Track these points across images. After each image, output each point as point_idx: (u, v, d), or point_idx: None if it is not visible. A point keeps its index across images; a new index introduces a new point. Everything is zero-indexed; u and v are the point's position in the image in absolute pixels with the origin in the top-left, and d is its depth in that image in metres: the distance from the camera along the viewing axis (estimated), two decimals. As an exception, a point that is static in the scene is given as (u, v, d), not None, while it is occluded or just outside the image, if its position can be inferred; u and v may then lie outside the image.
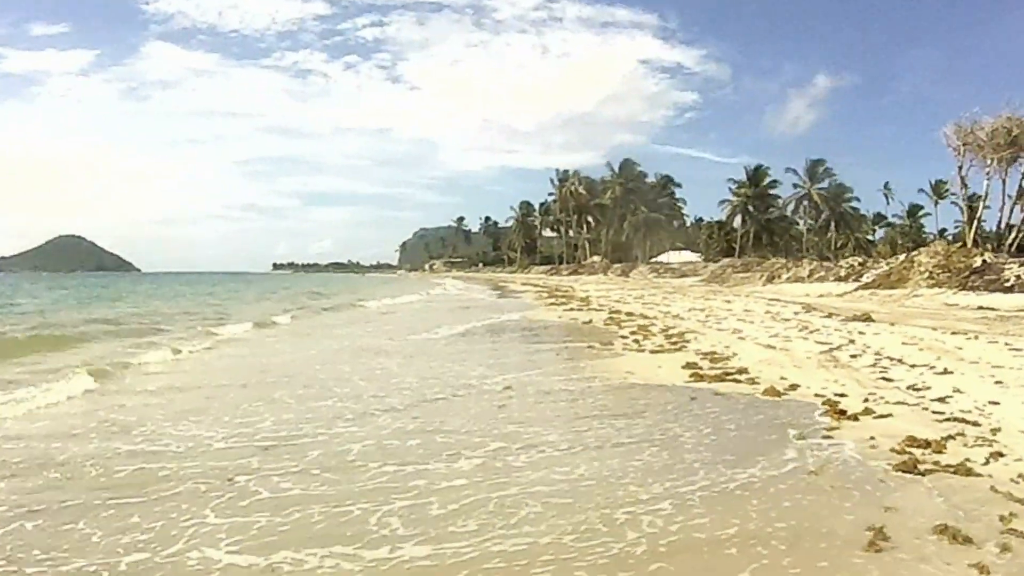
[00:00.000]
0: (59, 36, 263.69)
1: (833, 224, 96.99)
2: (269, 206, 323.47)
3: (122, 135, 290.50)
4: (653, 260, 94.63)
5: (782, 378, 10.02)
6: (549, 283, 67.94)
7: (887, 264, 39.99)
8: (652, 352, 12.76)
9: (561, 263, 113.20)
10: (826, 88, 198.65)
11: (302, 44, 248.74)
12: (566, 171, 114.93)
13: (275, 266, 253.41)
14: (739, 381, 9.83)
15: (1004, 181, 40.46)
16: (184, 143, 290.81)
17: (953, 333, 14.81)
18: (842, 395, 8.88)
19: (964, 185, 41.84)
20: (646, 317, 20.92)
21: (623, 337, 15.37)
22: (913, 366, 10.89)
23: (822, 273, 44.90)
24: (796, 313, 21.66)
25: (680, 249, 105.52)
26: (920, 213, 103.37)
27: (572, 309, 26.05)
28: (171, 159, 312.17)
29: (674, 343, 14.02)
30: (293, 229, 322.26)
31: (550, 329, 18.46)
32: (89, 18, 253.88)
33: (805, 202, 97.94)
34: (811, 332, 15.71)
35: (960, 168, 42.18)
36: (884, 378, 10.02)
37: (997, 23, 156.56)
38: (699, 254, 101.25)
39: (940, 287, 31.43)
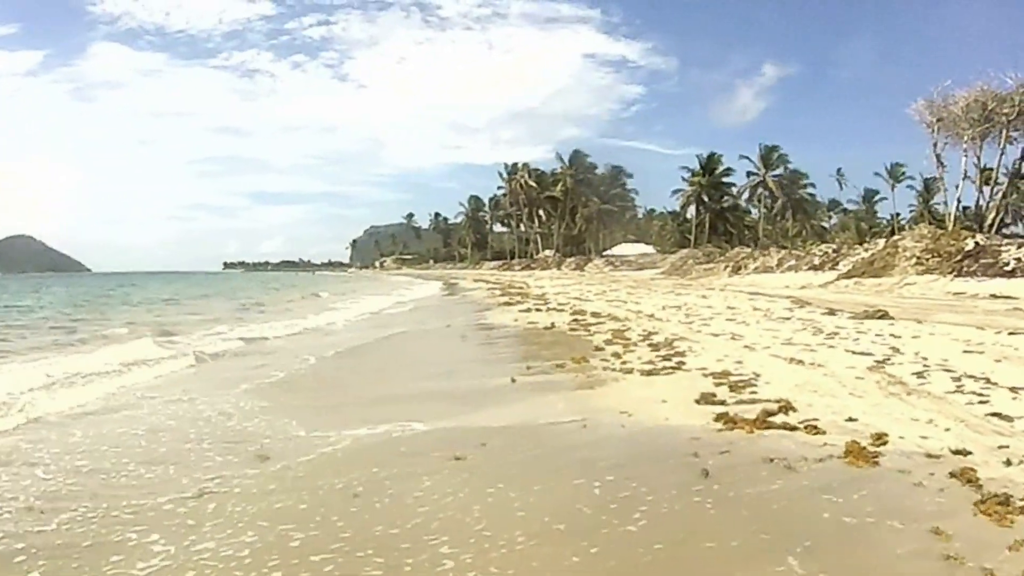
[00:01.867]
0: (7, 37, 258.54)
1: (790, 211, 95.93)
2: (219, 205, 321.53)
3: (71, 135, 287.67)
4: (607, 253, 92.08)
5: (849, 419, 6.67)
6: (501, 279, 64.41)
7: (865, 250, 37.53)
8: (644, 374, 9.27)
9: (513, 258, 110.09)
10: (772, 78, 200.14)
11: (249, 44, 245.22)
12: (515, 164, 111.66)
13: (226, 265, 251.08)
14: (790, 426, 6.40)
15: (979, 158, 38.37)
16: (133, 143, 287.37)
17: (1011, 334, 11.76)
18: (962, 451, 5.57)
19: (940, 164, 39.54)
20: (616, 319, 17.52)
21: (598, 349, 11.88)
22: (1016, 389, 7.68)
23: (792, 262, 42.34)
24: (790, 310, 18.54)
25: (633, 241, 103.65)
26: (876, 198, 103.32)
27: (529, 310, 22.54)
28: (120, 159, 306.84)
29: (666, 357, 10.59)
30: (243, 228, 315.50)
31: (506, 340, 14.86)
32: (36, 18, 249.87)
33: (760, 189, 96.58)
34: (829, 336, 12.50)
35: (935, 145, 39.91)
36: (995, 414, 6.76)
37: (934, 8, 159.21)
38: (652, 246, 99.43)
39: (931, 273, 28.90)
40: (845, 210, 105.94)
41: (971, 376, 8.44)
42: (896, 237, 35.99)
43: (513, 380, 9.06)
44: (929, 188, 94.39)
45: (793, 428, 6.31)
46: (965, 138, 36.98)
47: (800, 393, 7.79)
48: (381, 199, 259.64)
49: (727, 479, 4.96)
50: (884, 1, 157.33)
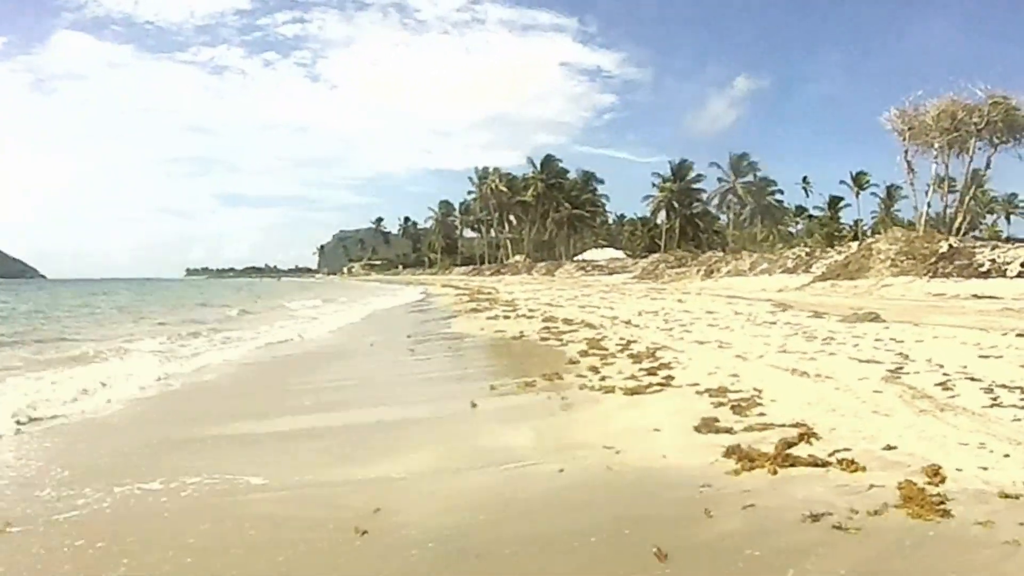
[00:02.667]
0: None
1: (759, 217, 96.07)
2: (184, 209, 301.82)
3: (27, 130, 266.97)
4: (578, 258, 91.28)
5: (887, 447, 5.39)
6: (471, 285, 62.96)
7: (838, 253, 36.84)
8: (628, 392, 7.92)
9: (483, 263, 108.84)
10: (744, 89, 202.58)
11: (220, 39, 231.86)
12: (486, 168, 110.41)
13: (188, 272, 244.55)
14: (820, 461, 5.06)
15: (946, 165, 38.27)
16: (95, 140, 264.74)
17: (1020, 335, 10.72)
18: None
19: (911, 170, 39.08)
20: (591, 326, 16.23)
21: (573, 362, 10.51)
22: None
23: (765, 266, 41.58)
24: (772, 313, 17.44)
25: (603, 247, 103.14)
26: (841, 204, 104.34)
27: (497, 317, 21.16)
28: (81, 157, 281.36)
29: (651, 371, 9.27)
30: (209, 232, 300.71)
31: (469, 353, 13.41)
32: None
33: (730, 196, 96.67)
34: (825, 342, 11.34)
35: (907, 152, 39.58)
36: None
37: (900, 26, 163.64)
38: (622, 251, 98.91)
39: (906, 275, 28.20)
40: (811, 216, 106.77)
41: (1002, 386, 7.28)
42: (870, 240, 35.39)
43: (474, 405, 7.66)
44: (892, 195, 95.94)
45: (824, 464, 4.99)
46: (935, 146, 36.93)
47: (817, 413, 6.52)
48: (350, 203, 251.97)
49: (763, 556, 3.60)
50: (853, 17, 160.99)
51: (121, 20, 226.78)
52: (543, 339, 14.09)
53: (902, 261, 29.68)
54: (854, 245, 37.19)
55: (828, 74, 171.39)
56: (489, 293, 42.49)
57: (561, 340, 13.63)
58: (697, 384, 8.14)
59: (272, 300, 44.10)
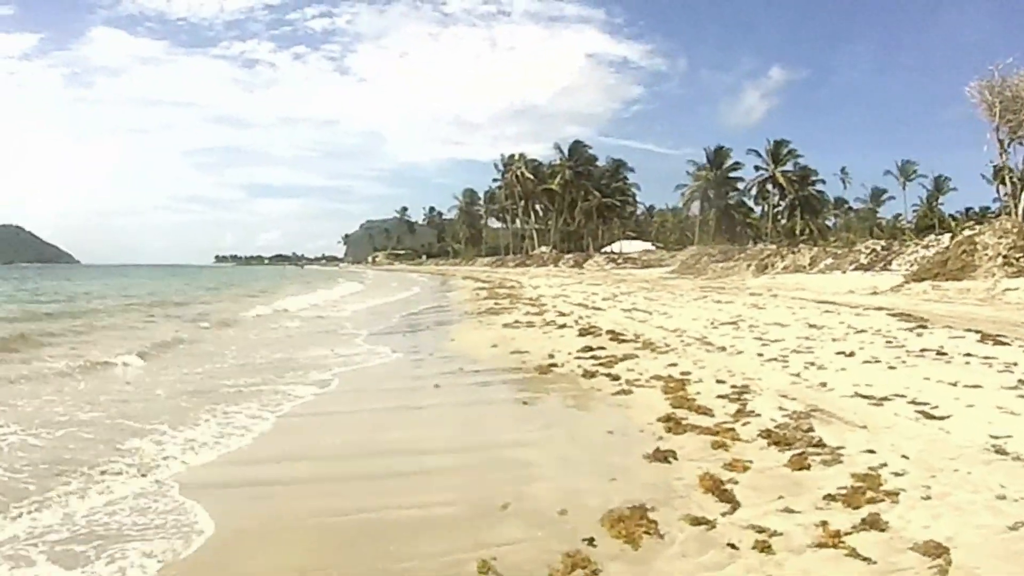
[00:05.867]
0: (3, 18, 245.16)
1: (798, 209, 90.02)
2: (215, 197, 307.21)
3: (65, 122, 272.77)
4: (606, 250, 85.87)
5: None
6: (493, 277, 57.98)
7: (925, 247, 31.21)
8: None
9: (507, 254, 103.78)
10: (777, 81, 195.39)
11: (250, 34, 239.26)
12: (511, 155, 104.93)
13: (217, 259, 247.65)
14: None
15: (1025, 146, 32.36)
16: (129, 132, 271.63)
17: None
18: None
19: (1004, 150, 33.16)
20: (654, 346, 11.10)
21: (661, 457, 5.34)
22: None
23: (829, 261, 36.02)
24: (918, 334, 12.14)
25: (631, 238, 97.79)
26: (883, 197, 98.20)
27: (518, 324, 16.12)
28: (115, 148, 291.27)
29: (850, 502, 4.14)
30: (239, 221, 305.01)
31: (461, 411, 8.36)
32: (35, 1, 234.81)
33: (769, 185, 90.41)
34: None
35: (997, 130, 33.62)
36: None
37: (935, 14, 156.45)
38: (650, 243, 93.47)
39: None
40: (850, 208, 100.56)
41: None
42: (970, 232, 29.67)
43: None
44: (940, 186, 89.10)
45: None
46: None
47: None
48: (378, 194, 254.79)
49: None
50: (889, 5, 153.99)
51: (154, 17, 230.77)
52: (588, 373, 8.97)
53: (1018, 258, 24.16)
54: (945, 238, 31.52)
55: (863, 64, 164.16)
56: (512, 287, 37.47)
57: (616, 377, 8.54)
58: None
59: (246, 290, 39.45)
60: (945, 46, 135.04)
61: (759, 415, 6.34)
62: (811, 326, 13.29)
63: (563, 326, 14.97)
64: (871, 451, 5.18)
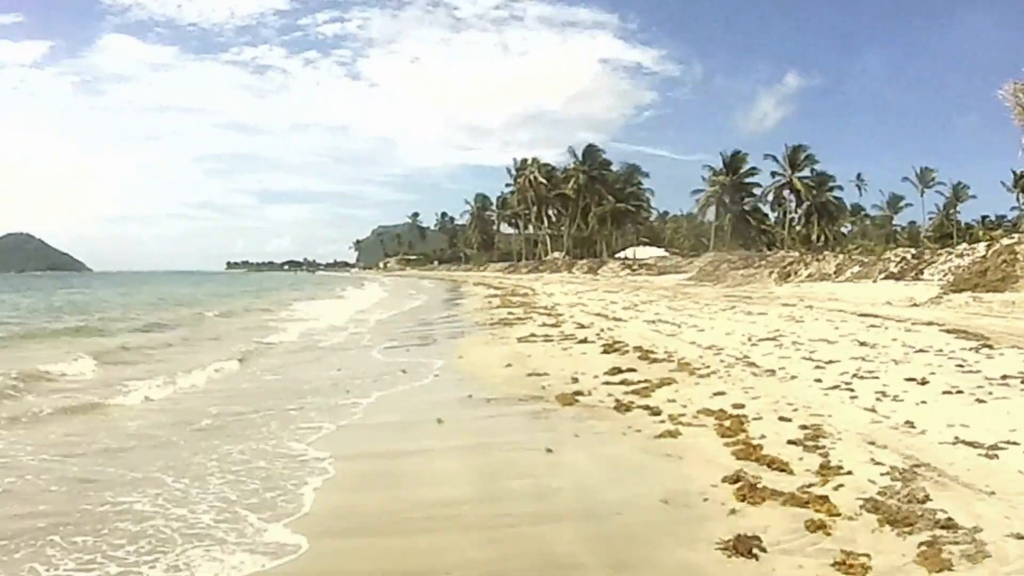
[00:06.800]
0: (12, 26, 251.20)
1: (816, 215, 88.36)
2: (226, 204, 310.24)
3: (75, 129, 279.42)
4: (620, 256, 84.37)
5: None
6: (505, 283, 56.65)
7: (959, 256, 29.63)
8: None
9: (520, 260, 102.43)
10: (791, 87, 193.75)
11: (261, 39, 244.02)
12: (524, 159, 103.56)
13: (229, 264, 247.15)
14: None
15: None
16: (139, 139, 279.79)
17: None
18: None
19: (1042, 154, 31.55)
20: (690, 367, 9.73)
21: (731, 547, 3.98)
22: None
23: (857, 269, 34.44)
24: (986, 355, 10.72)
25: (645, 244, 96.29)
26: (901, 204, 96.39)
27: (533, 337, 14.80)
28: (125, 155, 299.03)
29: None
30: (251, 227, 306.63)
31: (456, 461, 7.01)
32: (44, 8, 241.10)
33: (786, 191, 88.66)
34: None
35: (1034, 133, 32.01)
36: None
37: (951, 20, 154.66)
38: (664, 249, 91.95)
39: (1078, 287, 21.19)
40: (866, 215, 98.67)
41: None
42: (1009, 241, 28.10)
43: None
44: (959, 194, 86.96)
45: None
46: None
47: None
48: (390, 199, 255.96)
49: None
50: (903, 12, 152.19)
51: (165, 23, 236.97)
52: (619, 404, 7.61)
53: (1066, 268, 22.62)
54: (980, 247, 29.90)
55: (877, 71, 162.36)
56: (525, 294, 36.16)
57: (656, 411, 7.18)
58: None
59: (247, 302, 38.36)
60: (959, 54, 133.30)
61: (850, 472, 4.98)
62: (862, 343, 11.87)
63: (584, 340, 13.62)
64: (1020, 535, 3.84)
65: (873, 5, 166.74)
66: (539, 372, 10.06)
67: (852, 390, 8.00)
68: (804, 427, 6.23)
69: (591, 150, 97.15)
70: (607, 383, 8.88)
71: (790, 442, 5.80)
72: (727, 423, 6.40)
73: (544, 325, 17.44)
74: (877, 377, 8.75)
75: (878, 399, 7.53)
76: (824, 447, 5.65)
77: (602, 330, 15.49)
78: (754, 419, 6.59)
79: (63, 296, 46.49)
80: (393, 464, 6.14)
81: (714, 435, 6.08)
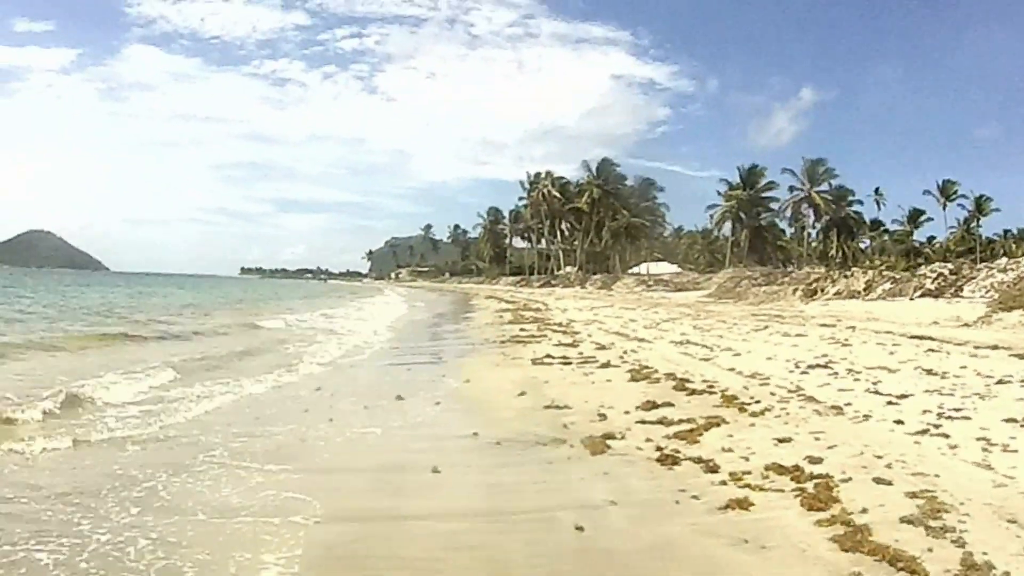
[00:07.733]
0: (43, 34, 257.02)
1: (835, 230, 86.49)
2: (242, 211, 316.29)
3: (98, 134, 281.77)
4: (633, 271, 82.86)
5: None
6: (517, 297, 55.18)
7: (1000, 271, 27.92)
8: None
9: (532, 274, 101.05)
10: (804, 102, 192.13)
11: (282, 53, 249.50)
12: (539, 173, 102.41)
13: (242, 270, 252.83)
14: None
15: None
16: (160, 145, 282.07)
17: None
18: None
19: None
20: (737, 403, 8.24)
21: None
22: None
23: (888, 286, 32.75)
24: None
25: (658, 260, 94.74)
26: (921, 219, 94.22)
27: (550, 359, 13.33)
28: (146, 160, 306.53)
29: None
30: (266, 235, 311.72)
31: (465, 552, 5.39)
32: (72, 17, 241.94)
33: (804, 206, 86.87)
34: None
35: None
36: None
37: (965, 35, 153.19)
38: (677, 266, 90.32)
39: None
40: (885, 230, 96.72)
41: None
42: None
43: None
44: (982, 207, 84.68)
45: None
46: None
47: None
48: (404, 211, 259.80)
49: None
50: (916, 28, 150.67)
51: (188, 35, 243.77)
52: (664, 456, 6.08)
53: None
54: (1024, 261, 28.23)
55: (892, 85, 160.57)
56: (538, 309, 34.70)
57: (712, 465, 5.68)
58: None
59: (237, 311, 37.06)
60: (975, 65, 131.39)
61: (1007, 574, 3.49)
62: (928, 371, 10.33)
63: (607, 364, 12.11)
64: None
65: (887, 18, 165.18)
66: (558, 404, 8.57)
67: (946, 436, 6.48)
68: (913, 495, 4.72)
69: (605, 164, 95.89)
70: (642, 421, 7.37)
71: (903, 520, 4.29)
72: (810, 487, 4.90)
73: (560, 344, 15.96)
74: (968, 417, 7.22)
75: (985, 449, 6.00)
76: (953, 528, 4.14)
77: (625, 352, 14.00)
78: (842, 480, 5.08)
79: (100, 295, 46.41)
80: (367, 534, 4.67)
81: (797, 507, 4.58)
